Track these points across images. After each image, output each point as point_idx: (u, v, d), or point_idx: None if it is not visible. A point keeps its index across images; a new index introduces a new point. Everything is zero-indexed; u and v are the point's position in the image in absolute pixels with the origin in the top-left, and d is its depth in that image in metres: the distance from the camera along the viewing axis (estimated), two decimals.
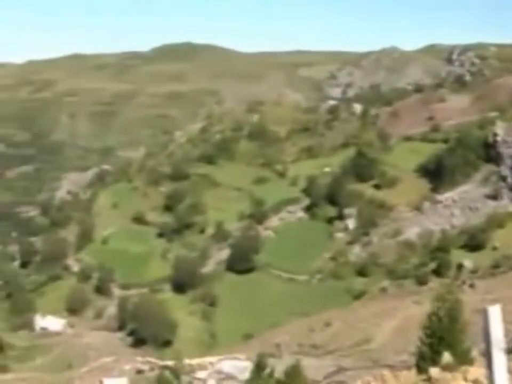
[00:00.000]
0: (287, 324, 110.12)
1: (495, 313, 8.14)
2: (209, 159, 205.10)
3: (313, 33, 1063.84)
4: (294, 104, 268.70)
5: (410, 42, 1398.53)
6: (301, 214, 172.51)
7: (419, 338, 21.06)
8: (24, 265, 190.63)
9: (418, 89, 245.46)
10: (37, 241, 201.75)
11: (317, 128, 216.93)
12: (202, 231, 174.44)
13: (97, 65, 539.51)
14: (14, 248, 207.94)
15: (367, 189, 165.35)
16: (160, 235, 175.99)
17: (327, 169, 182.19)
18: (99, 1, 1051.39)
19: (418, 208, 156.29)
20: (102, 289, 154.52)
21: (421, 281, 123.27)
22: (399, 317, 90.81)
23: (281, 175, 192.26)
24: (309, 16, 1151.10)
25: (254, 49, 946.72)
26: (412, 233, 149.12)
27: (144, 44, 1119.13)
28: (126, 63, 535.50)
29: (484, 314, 8.14)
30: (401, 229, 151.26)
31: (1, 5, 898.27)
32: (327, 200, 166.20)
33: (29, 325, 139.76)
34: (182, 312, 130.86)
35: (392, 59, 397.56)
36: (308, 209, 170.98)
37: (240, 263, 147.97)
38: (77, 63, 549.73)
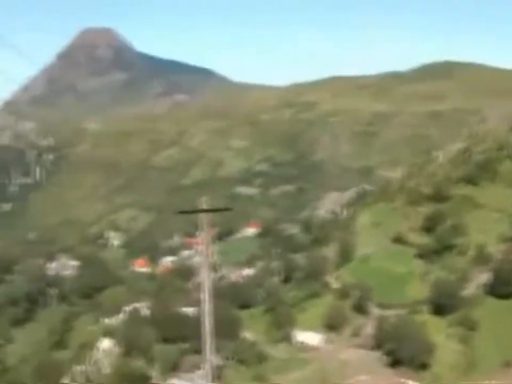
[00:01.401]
0: None
1: None
2: (470, 180, 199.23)
3: None
4: None
5: None
6: None
7: None
8: (285, 280, 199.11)
9: None
10: (298, 258, 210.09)
11: None
12: (462, 253, 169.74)
13: (358, 86, 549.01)
14: (276, 264, 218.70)
15: None
16: (420, 256, 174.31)
17: None
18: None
19: None
20: (360, 308, 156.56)
21: None
22: None
23: None
24: None
25: None
26: None
27: (403, 64, 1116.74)
28: (386, 84, 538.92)
29: None
30: None
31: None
32: None
33: (288, 338, 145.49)
34: (440, 335, 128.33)
35: None
36: None
37: (502, 287, 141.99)
38: (338, 84, 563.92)
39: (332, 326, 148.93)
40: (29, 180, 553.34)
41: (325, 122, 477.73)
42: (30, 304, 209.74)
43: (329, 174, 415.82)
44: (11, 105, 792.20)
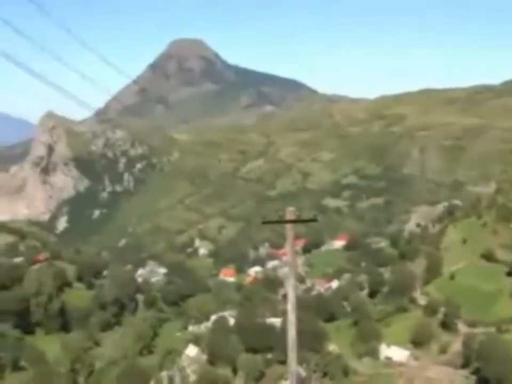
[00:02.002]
0: None
1: None
2: None
3: None
4: None
5: None
6: None
7: None
8: (372, 294, 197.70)
9: None
10: (385, 272, 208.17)
11: None
12: None
13: (447, 99, 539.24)
14: (363, 278, 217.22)
15: None
16: (510, 274, 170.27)
17: None
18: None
19: None
20: (447, 325, 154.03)
21: None
22: None
23: None
24: None
25: None
26: None
27: (495, 78, 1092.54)
28: (476, 97, 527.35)
29: None
30: None
31: None
32: None
33: (373, 353, 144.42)
34: None
35: None
36: None
37: None
38: (428, 97, 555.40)
39: (418, 342, 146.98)
40: (120, 188, 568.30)
41: (414, 135, 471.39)
42: (118, 309, 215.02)
43: (418, 187, 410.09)
44: (103, 114, 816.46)
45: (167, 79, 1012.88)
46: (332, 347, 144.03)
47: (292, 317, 21.25)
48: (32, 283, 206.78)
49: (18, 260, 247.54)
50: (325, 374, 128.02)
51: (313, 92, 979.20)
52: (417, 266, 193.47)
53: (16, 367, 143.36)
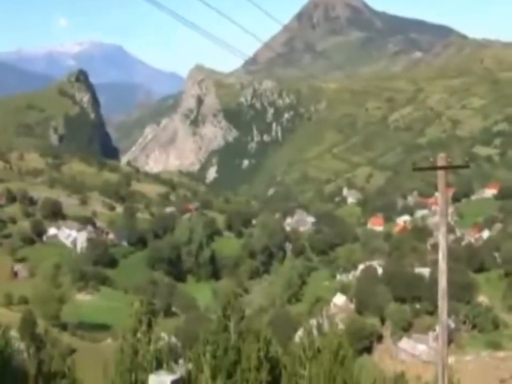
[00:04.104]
0: None
1: None
2: None
3: None
4: None
5: None
6: None
7: None
8: None
9: None
10: None
11: None
12: None
13: None
14: None
15: None
16: None
17: None
18: None
19: None
20: None
21: None
22: None
23: None
24: None
25: None
26: None
27: None
28: None
29: None
30: None
31: None
32: None
33: None
34: None
35: None
36: None
37: None
38: None
39: None
40: (267, 138, 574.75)
41: None
42: (267, 257, 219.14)
43: None
44: (251, 65, 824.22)
45: (313, 28, 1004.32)
46: (482, 298, 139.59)
47: (442, 265, 20.11)
48: (183, 232, 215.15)
49: (170, 209, 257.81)
50: (474, 326, 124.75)
51: (463, 37, 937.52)
52: None
53: (169, 313, 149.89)
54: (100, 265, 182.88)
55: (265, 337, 18.88)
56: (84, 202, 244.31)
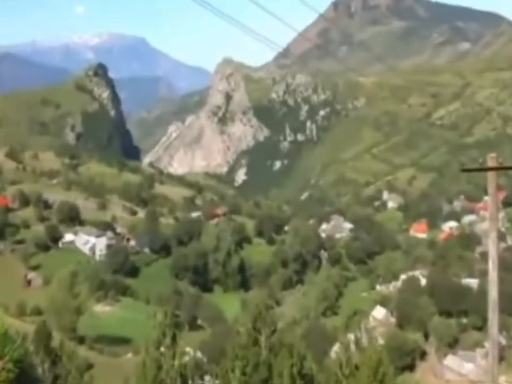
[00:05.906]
0: None
1: None
2: None
3: None
4: None
5: None
6: None
7: None
8: None
9: None
10: None
11: None
12: None
13: None
14: None
15: None
16: None
17: None
18: None
19: None
20: None
21: None
22: None
23: None
24: None
25: None
26: None
27: None
28: None
29: None
30: None
31: None
32: None
33: None
34: None
35: None
36: None
37: None
38: None
39: None
40: (301, 136, 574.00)
41: None
42: (301, 266, 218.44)
43: None
44: (284, 57, 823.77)
45: (351, 18, 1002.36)
46: None
47: (493, 275, 19.92)
48: (210, 238, 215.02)
49: (195, 214, 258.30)
50: None
51: None
52: None
53: (194, 326, 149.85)
54: (120, 274, 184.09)
55: (299, 352, 18.91)
56: (102, 206, 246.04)
